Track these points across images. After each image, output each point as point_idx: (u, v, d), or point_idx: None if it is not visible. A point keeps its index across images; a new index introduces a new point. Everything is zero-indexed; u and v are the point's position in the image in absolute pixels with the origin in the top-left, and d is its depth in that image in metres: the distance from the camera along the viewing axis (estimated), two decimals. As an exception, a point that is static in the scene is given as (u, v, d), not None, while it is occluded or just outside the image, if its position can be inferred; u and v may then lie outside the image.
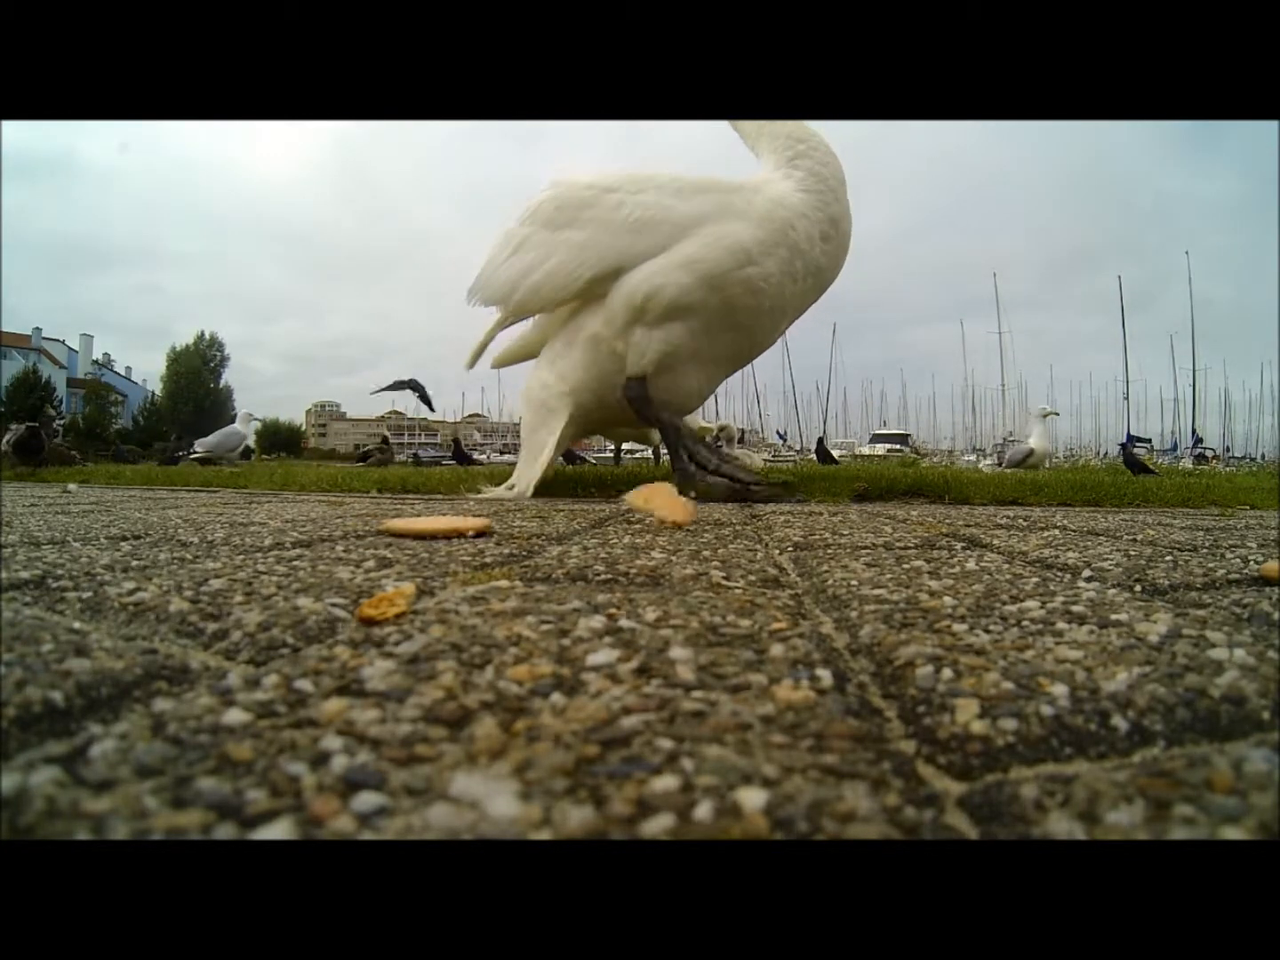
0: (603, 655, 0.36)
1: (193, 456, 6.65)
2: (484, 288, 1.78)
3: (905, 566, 0.66)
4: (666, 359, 1.65)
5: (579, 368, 1.74)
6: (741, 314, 1.65)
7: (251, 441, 6.96)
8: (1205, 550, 0.82)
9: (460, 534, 0.86)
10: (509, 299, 1.73)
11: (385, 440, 7.61)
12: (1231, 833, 0.21)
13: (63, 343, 32.36)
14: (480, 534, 0.87)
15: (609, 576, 0.60)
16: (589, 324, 1.71)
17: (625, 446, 4.70)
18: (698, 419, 3.88)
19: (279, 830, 0.21)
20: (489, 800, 0.22)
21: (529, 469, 1.79)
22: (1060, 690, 0.32)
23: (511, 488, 1.79)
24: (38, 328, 31.09)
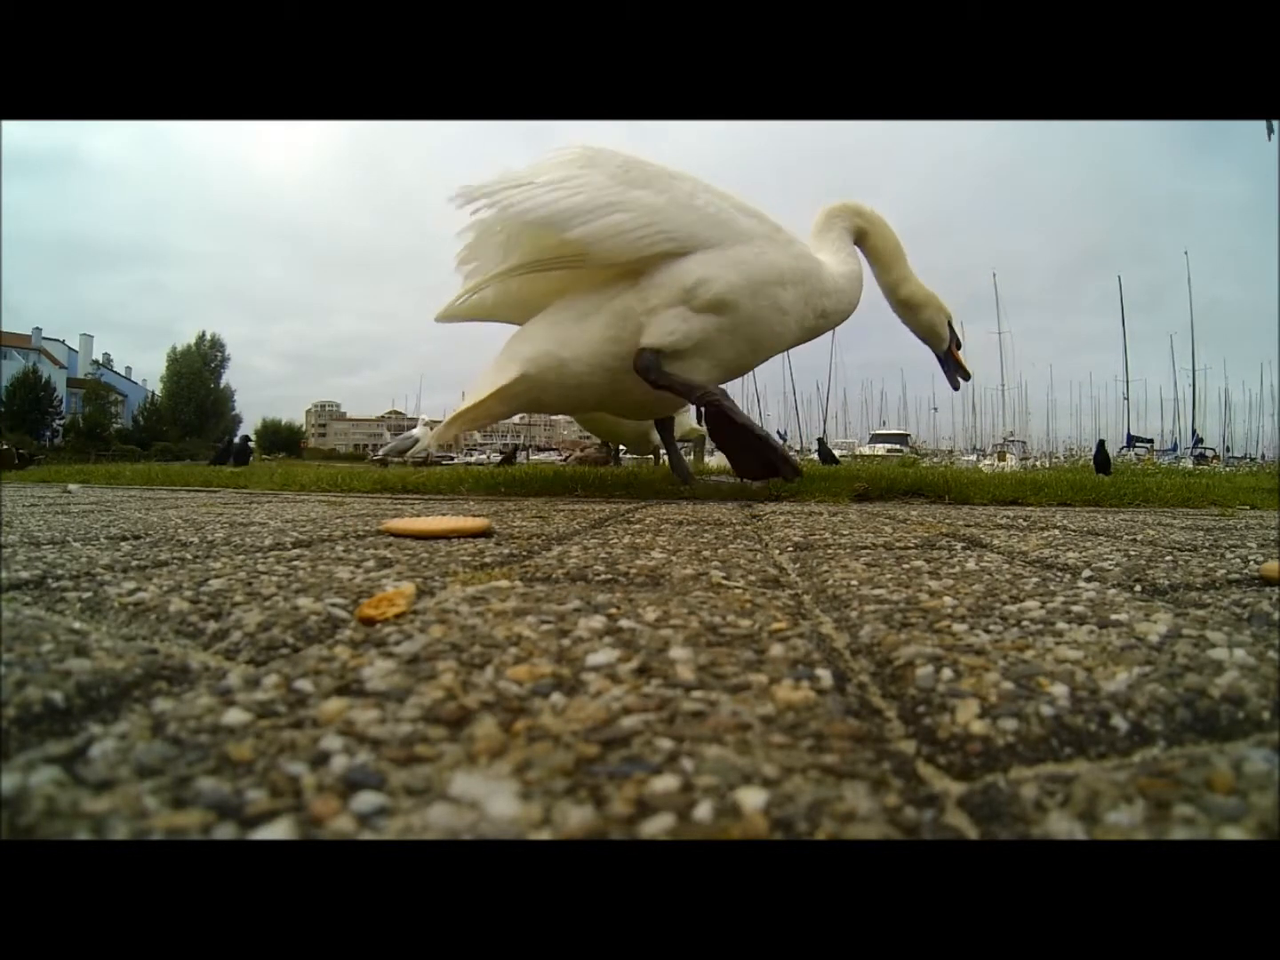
0: (603, 655, 0.36)
1: (373, 458, 6.96)
2: (536, 207, 1.50)
3: (905, 566, 0.66)
4: (686, 345, 1.64)
5: (595, 338, 1.62)
6: (760, 327, 1.71)
7: (424, 444, 7.16)
8: (1205, 550, 0.82)
9: (460, 534, 0.86)
10: (569, 226, 1.50)
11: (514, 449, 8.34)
12: (1231, 833, 0.21)
13: (63, 343, 32.38)
14: (480, 534, 0.87)
15: (609, 576, 0.60)
16: (623, 299, 1.62)
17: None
18: (689, 419, 3.87)
19: (279, 830, 0.21)
20: (489, 800, 0.22)
21: (453, 417, 1.71)
22: (1060, 690, 0.32)
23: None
24: (38, 328, 31.12)
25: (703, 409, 1.69)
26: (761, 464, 1.72)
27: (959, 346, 2.15)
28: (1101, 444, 6.40)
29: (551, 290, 1.76)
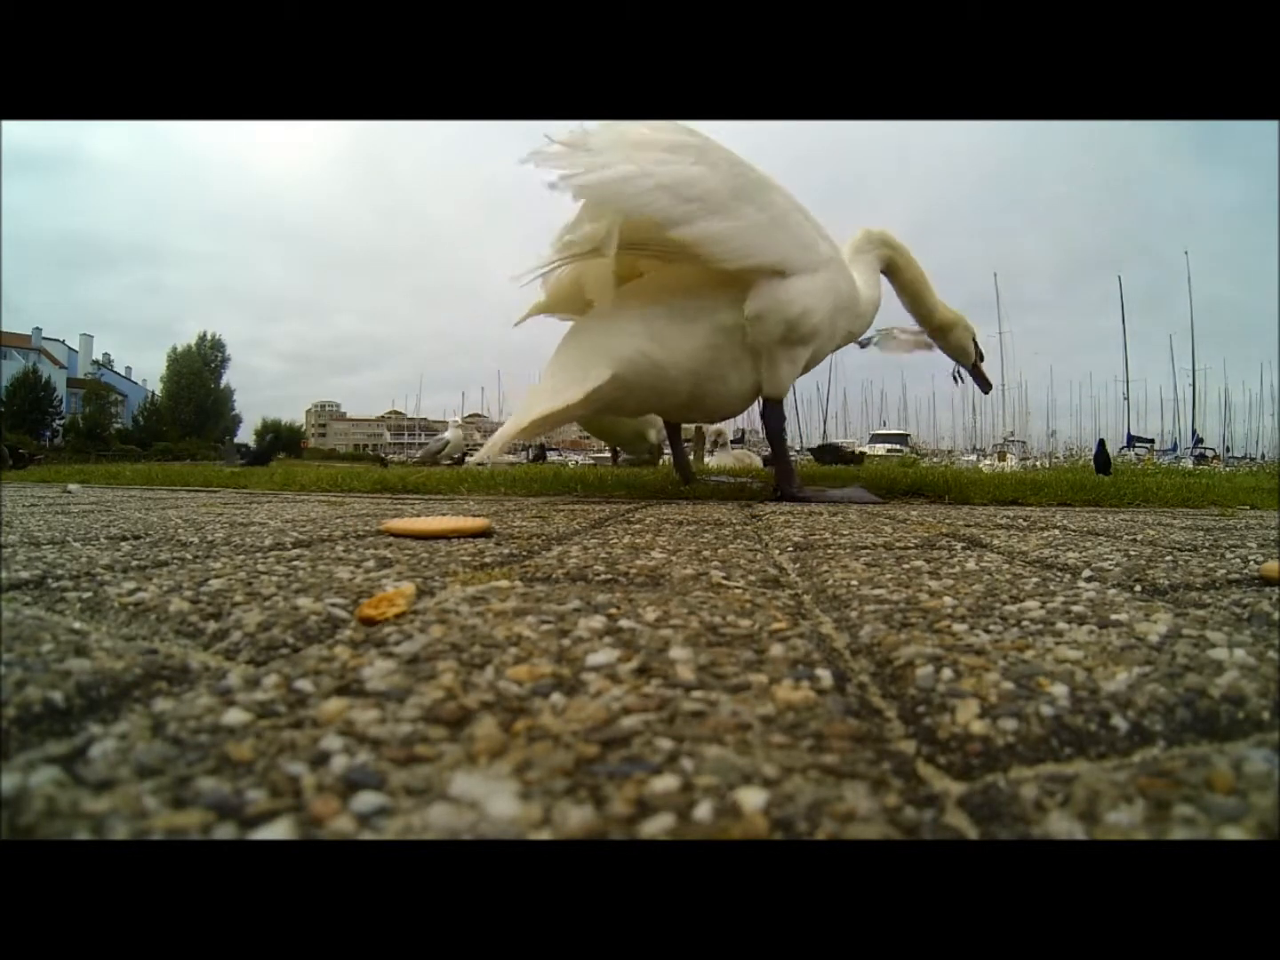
0: (603, 655, 0.36)
1: (413, 460, 6.98)
2: (637, 193, 1.34)
3: (905, 566, 0.66)
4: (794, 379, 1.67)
5: (691, 346, 1.54)
6: (818, 353, 1.74)
7: (455, 445, 7.22)
8: (1205, 550, 0.82)
9: (460, 534, 0.86)
10: (680, 224, 1.38)
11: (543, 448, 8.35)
12: (1231, 833, 0.21)
13: (63, 343, 32.37)
14: (480, 534, 0.87)
15: (609, 576, 0.60)
16: (722, 315, 1.55)
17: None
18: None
19: (279, 830, 0.21)
20: (489, 800, 0.22)
21: (519, 416, 1.48)
22: (1060, 690, 0.32)
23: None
24: (38, 328, 31.12)
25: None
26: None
27: (982, 359, 2.20)
28: (1102, 444, 6.40)
29: (621, 281, 1.62)
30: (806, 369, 1.80)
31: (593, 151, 1.35)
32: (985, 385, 2.26)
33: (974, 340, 2.15)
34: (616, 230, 1.39)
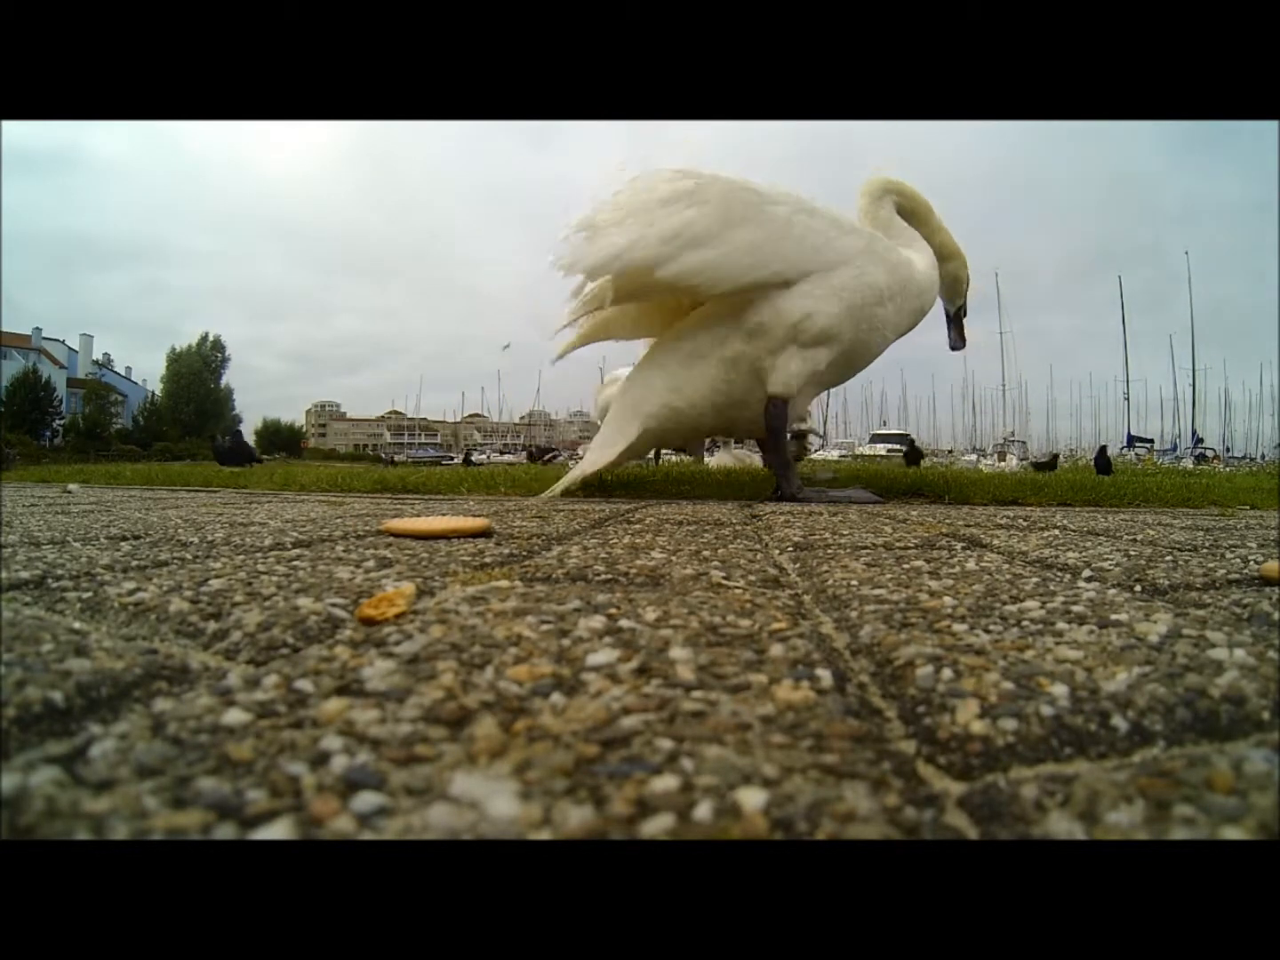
0: (603, 655, 0.36)
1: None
2: (630, 248, 1.50)
3: (905, 566, 0.65)
4: (809, 381, 1.71)
5: (706, 384, 1.69)
6: (858, 348, 1.77)
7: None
8: (1205, 550, 0.82)
9: (460, 534, 0.86)
10: (663, 264, 1.52)
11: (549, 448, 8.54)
12: (1231, 833, 0.21)
13: (63, 343, 32.36)
14: (480, 534, 0.87)
15: (609, 576, 0.60)
16: (729, 344, 1.67)
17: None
18: None
19: (279, 830, 0.20)
20: (489, 800, 0.22)
21: (578, 469, 1.76)
22: (1060, 690, 0.32)
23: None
24: (38, 328, 31.11)
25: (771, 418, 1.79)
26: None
27: (964, 314, 2.25)
28: (1103, 449, 6.57)
29: (657, 307, 1.83)
30: (860, 366, 1.86)
31: (595, 231, 1.53)
32: (958, 340, 2.28)
33: (965, 287, 2.19)
34: (610, 289, 1.57)
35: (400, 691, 0.31)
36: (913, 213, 2.04)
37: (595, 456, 1.75)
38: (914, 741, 0.28)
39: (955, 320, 2.25)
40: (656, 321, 1.88)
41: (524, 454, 10.26)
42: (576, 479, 1.72)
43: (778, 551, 0.78)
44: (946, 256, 2.11)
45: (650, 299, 1.74)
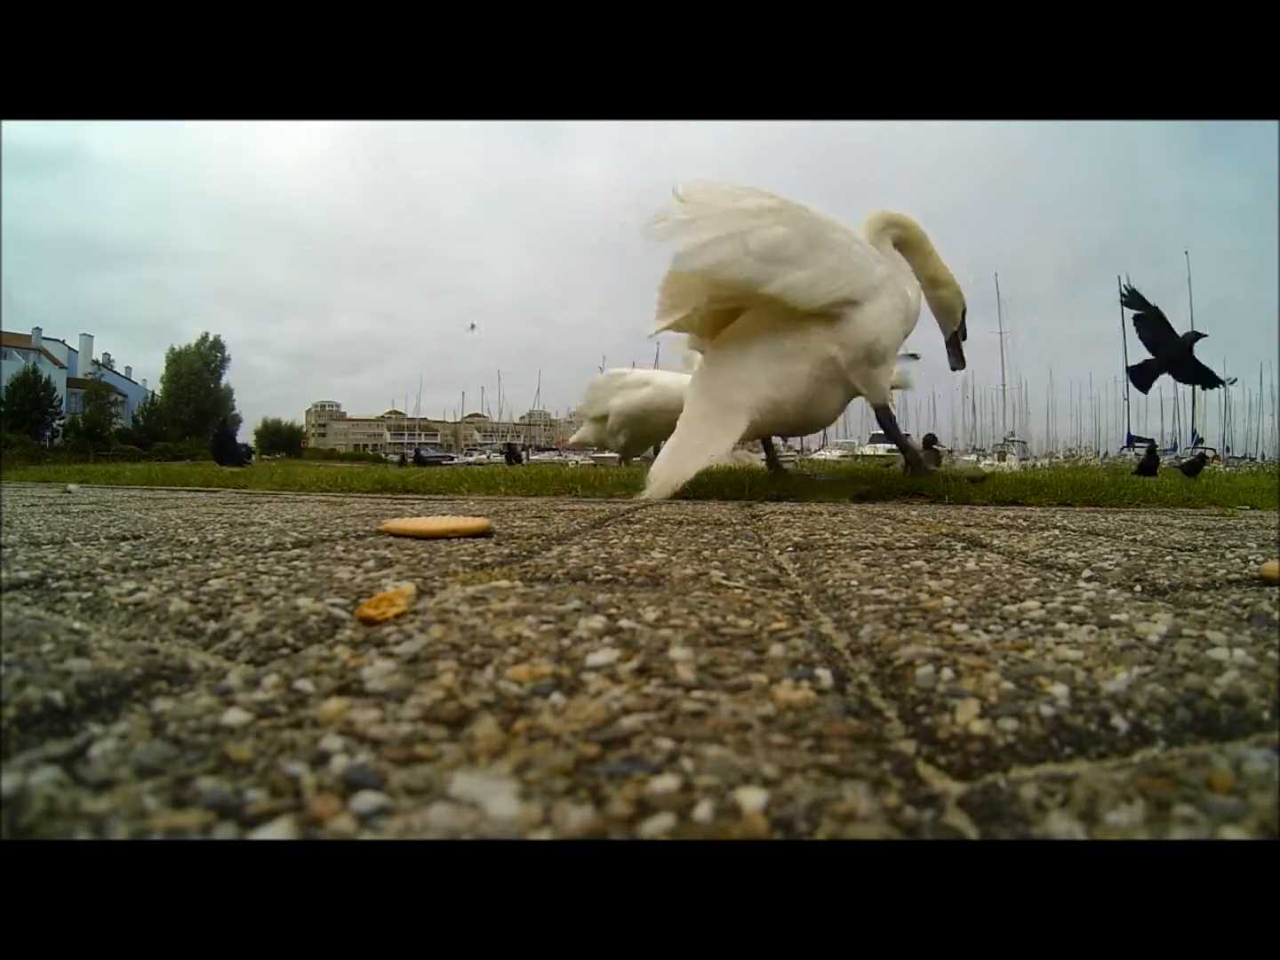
0: (603, 655, 0.36)
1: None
2: (732, 261, 1.65)
3: (905, 566, 0.65)
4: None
5: (801, 383, 1.86)
6: (892, 358, 2.02)
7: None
8: (1205, 550, 0.82)
9: (460, 534, 0.86)
10: (768, 280, 1.69)
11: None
12: (1231, 833, 0.21)
13: (63, 343, 32.35)
14: (480, 534, 0.87)
15: (609, 576, 0.60)
16: (822, 346, 1.85)
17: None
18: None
19: (279, 830, 0.21)
20: (489, 800, 0.22)
21: (682, 465, 1.72)
22: (1060, 690, 0.32)
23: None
24: (38, 328, 31.09)
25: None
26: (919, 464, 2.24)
27: (964, 337, 2.40)
28: (1153, 446, 5.60)
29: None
30: None
31: (690, 223, 1.66)
32: (957, 361, 2.45)
33: (962, 313, 2.35)
34: (702, 308, 1.84)
35: (400, 691, 0.31)
36: (909, 243, 2.22)
37: (699, 455, 1.74)
38: (914, 741, 0.28)
39: (953, 343, 2.40)
40: (723, 320, 2.00)
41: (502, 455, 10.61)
42: (687, 475, 1.70)
43: (778, 551, 0.78)
44: (941, 284, 2.28)
45: (733, 304, 1.89)
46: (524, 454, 12.11)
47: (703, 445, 1.77)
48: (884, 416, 2.10)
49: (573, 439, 5.21)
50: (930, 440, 5.89)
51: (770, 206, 1.74)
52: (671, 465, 1.73)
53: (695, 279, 1.76)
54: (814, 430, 2.26)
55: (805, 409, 1.91)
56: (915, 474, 2.13)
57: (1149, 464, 5.00)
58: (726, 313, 1.96)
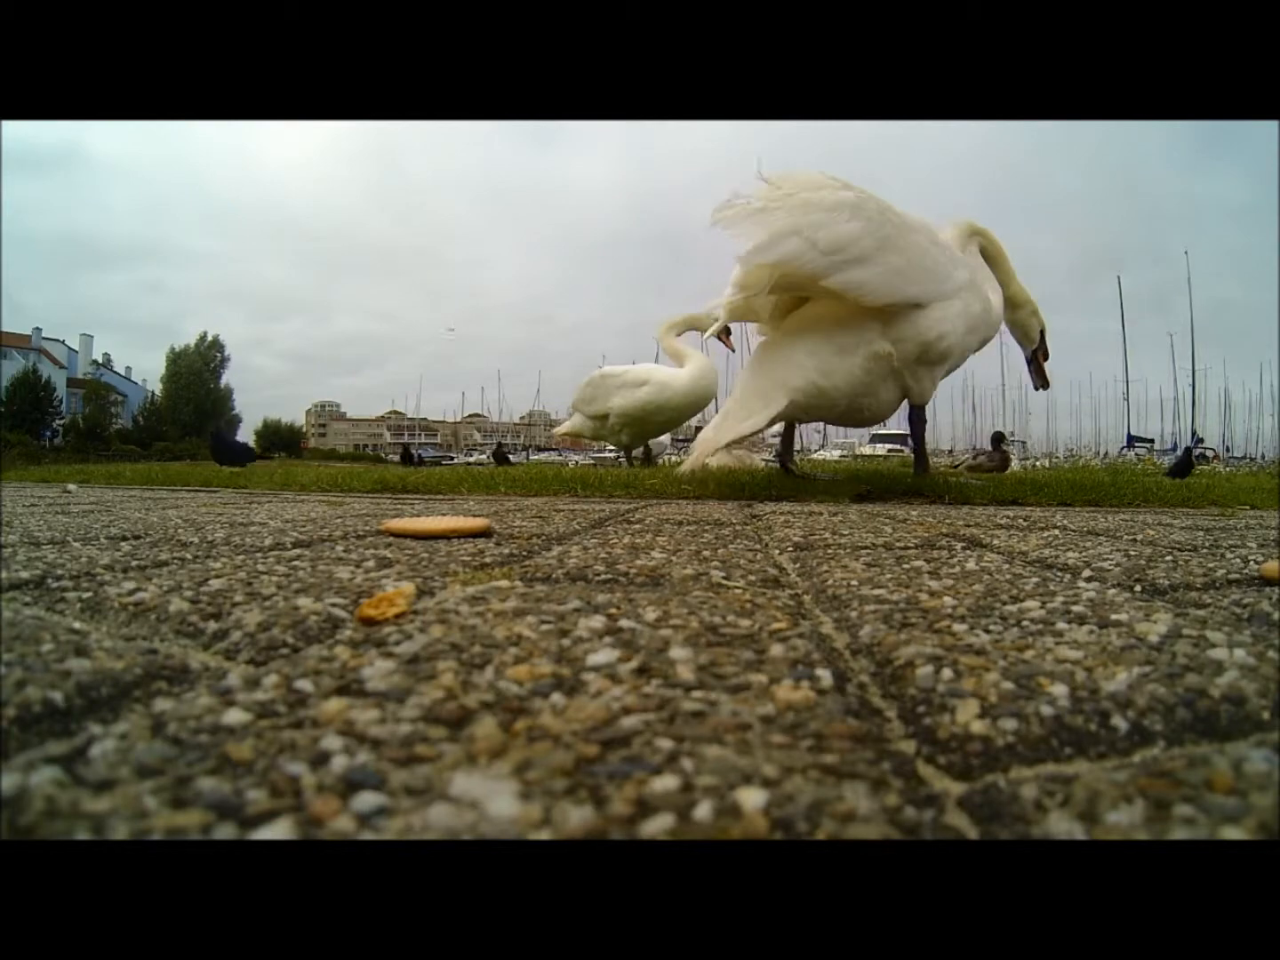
0: (603, 655, 0.36)
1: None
2: (796, 256, 1.70)
3: (905, 566, 0.65)
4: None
5: (851, 374, 1.91)
6: (958, 359, 2.06)
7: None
8: (1205, 550, 0.82)
9: (460, 534, 0.86)
10: (830, 274, 1.73)
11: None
12: (1231, 833, 0.21)
13: (63, 343, 32.34)
14: (480, 534, 0.87)
15: (609, 576, 0.60)
16: (876, 342, 1.89)
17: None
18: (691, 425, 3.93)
19: (279, 830, 0.20)
20: (489, 800, 0.22)
21: (720, 434, 1.85)
22: (1060, 690, 0.32)
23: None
24: (38, 328, 31.09)
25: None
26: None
27: (1046, 357, 2.46)
28: (1189, 450, 5.40)
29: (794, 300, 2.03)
30: (946, 374, 2.15)
31: (761, 211, 1.72)
32: (1040, 381, 2.48)
33: (1042, 333, 2.40)
34: (766, 296, 1.85)
35: (400, 691, 0.31)
36: (991, 257, 2.27)
37: (740, 424, 1.84)
38: (914, 741, 0.28)
39: (1034, 362, 2.44)
40: (786, 310, 2.07)
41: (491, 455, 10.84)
42: (720, 444, 1.83)
43: (778, 551, 0.78)
44: (1019, 305, 2.33)
45: (798, 293, 1.94)
46: (512, 455, 12.17)
47: (742, 417, 1.87)
48: (917, 416, 2.14)
49: (561, 429, 5.20)
50: (999, 439, 5.74)
51: (848, 201, 1.76)
52: (714, 431, 1.87)
53: (764, 269, 1.80)
54: (867, 423, 2.27)
55: (854, 399, 1.95)
56: (917, 473, 2.17)
57: (1183, 464, 4.70)
58: (795, 301, 2.02)
